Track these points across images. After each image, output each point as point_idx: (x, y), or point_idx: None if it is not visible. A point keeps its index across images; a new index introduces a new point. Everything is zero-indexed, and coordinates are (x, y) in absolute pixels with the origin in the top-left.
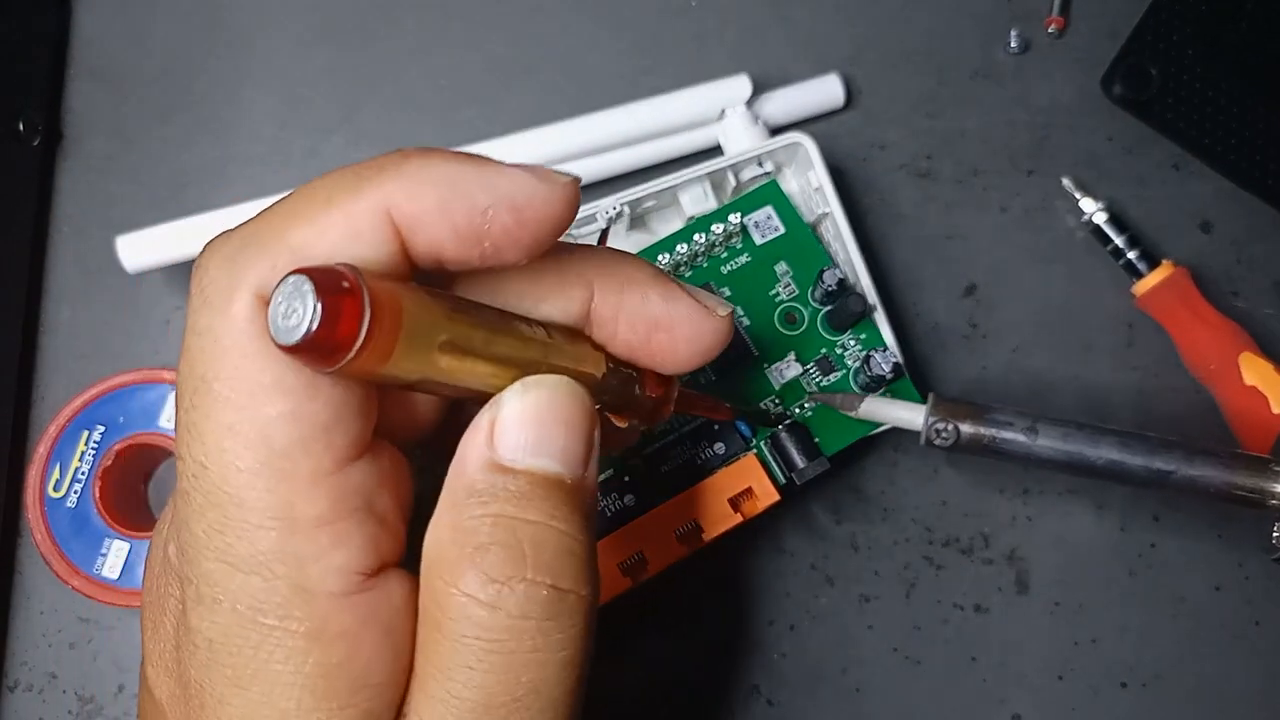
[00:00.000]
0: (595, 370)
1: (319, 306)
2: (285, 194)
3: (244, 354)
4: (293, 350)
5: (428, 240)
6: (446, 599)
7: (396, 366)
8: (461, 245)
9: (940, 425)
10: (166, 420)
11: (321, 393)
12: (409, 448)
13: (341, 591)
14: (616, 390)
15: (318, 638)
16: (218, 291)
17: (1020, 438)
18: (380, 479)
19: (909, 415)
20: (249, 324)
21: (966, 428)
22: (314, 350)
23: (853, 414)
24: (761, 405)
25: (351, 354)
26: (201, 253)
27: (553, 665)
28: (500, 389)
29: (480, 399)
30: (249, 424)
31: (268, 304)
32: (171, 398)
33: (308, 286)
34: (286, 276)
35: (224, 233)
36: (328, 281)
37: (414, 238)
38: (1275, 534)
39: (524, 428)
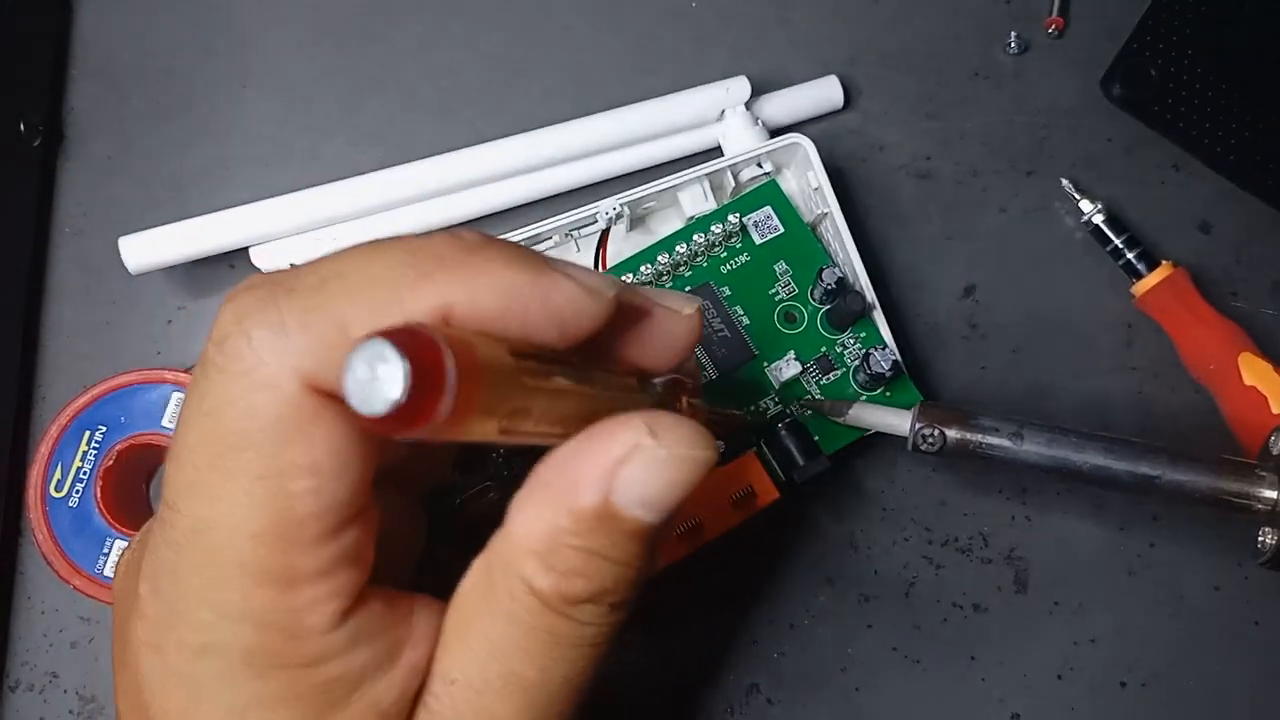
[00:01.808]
0: (642, 405)
1: (407, 370)
2: (336, 252)
3: (287, 435)
4: (378, 421)
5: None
6: (521, 597)
7: (473, 429)
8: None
9: (926, 431)
10: (168, 420)
11: (349, 472)
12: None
13: (331, 629)
14: None
15: (312, 666)
16: (263, 364)
17: (1006, 443)
18: (368, 527)
19: (895, 421)
20: (297, 406)
21: (952, 433)
22: (400, 419)
23: (840, 420)
24: (757, 409)
25: (438, 419)
26: (236, 307)
27: (591, 658)
28: (561, 435)
29: (543, 441)
30: (272, 496)
31: (316, 388)
32: (174, 398)
33: (393, 353)
34: (371, 339)
35: (260, 287)
36: (413, 344)
37: (462, 328)
38: (1260, 539)
39: (651, 484)
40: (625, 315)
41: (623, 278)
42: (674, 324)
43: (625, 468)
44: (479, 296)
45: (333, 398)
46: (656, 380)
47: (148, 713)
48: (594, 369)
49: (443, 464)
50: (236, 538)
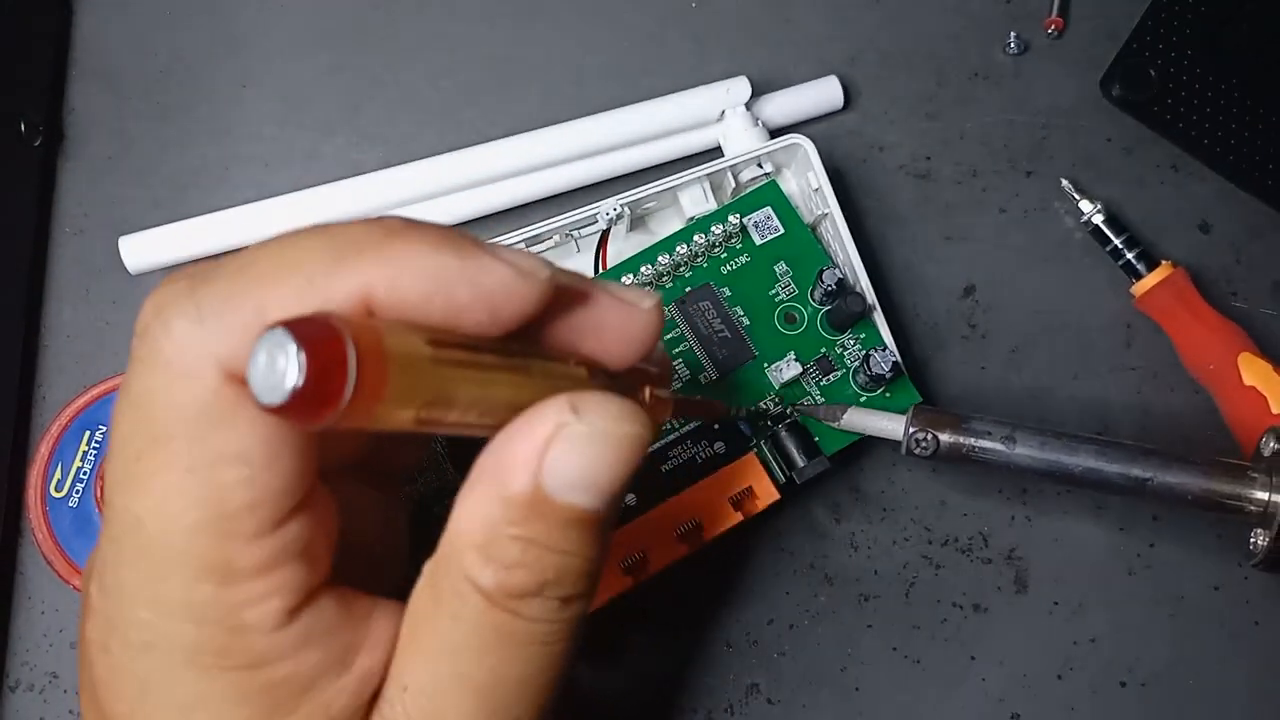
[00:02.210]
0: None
1: (304, 360)
2: (258, 243)
3: (210, 423)
4: (277, 410)
5: (393, 318)
6: (466, 594)
7: (384, 419)
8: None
9: (920, 435)
10: None
11: (280, 461)
12: (332, 473)
13: (276, 627)
14: None
15: (258, 666)
16: (182, 353)
17: (998, 447)
18: (314, 522)
19: (889, 425)
20: (217, 394)
21: (945, 437)
22: (299, 408)
23: (835, 425)
24: (752, 408)
25: (339, 410)
26: (155, 299)
27: (547, 657)
28: (494, 425)
29: (476, 433)
30: (202, 487)
31: (236, 376)
32: None
33: (291, 343)
34: (272, 329)
35: (180, 279)
36: (312, 333)
37: (384, 314)
38: (1252, 540)
39: (577, 465)
40: (569, 302)
41: (623, 278)
42: (630, 317)
43: (551, 449)
44: (400, 281)
45: None
46: (616, 371)
47: (102, 711)
48: (536, 358)
49: (412, 457)
50: (171, 530)
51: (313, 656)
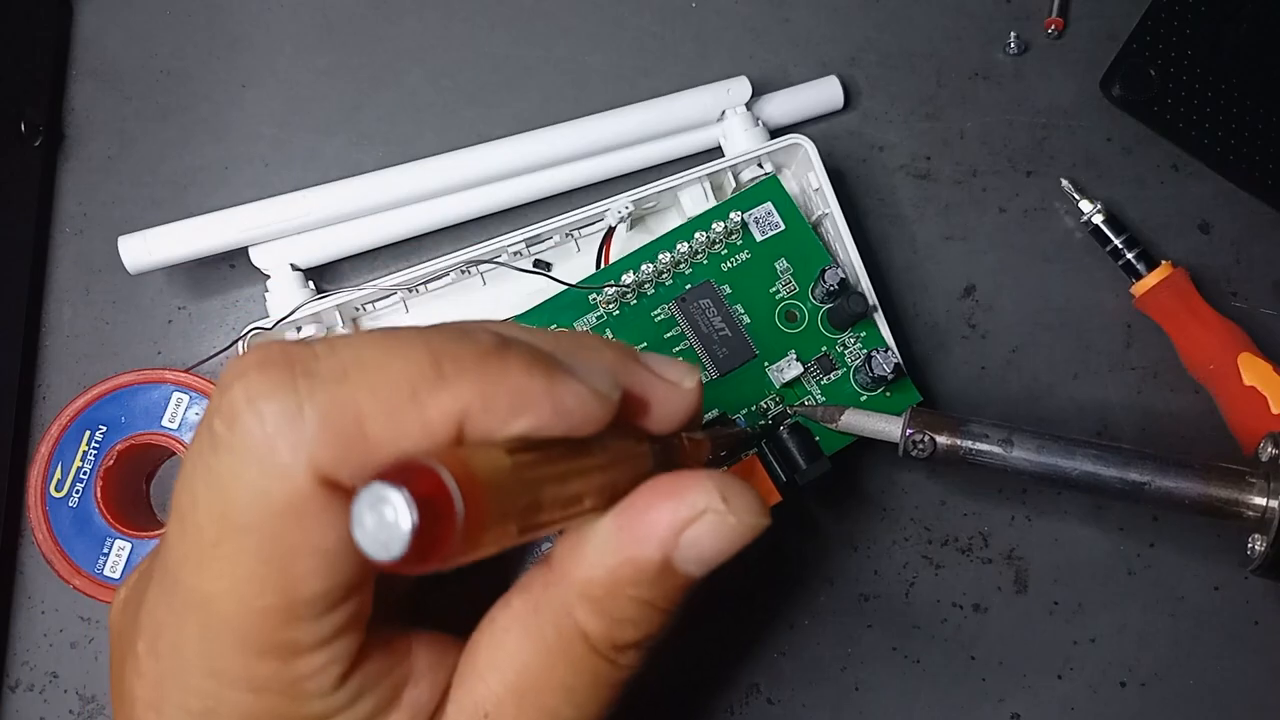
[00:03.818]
0: (649, 462)
1: (414, 512)
2: (353, 338)
3: (295, 521)
4: (394, 565)
5: (481, 436)
6: (572, 640)
7: (487, 544)
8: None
9: (917, 438)
10: (168, 420)
11: (353, 554)
12: None
13: (333, 690)
14: (665, 468)
15: None
16: (275, 451)
17: (996, 449)
18: (367, 590)
19: (887, 427)
20: (308, 498)
21: (943, 440)
22: (412, 559)
23: (833, 427)
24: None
25: (449, 553)
26: (248, 385)
27: (620, 696)
28: (589, 510)
29: (570, 522)
30: (278, 577)
31: (325, 480)
32: (174, 398)
33: (395, 494)
34: (370, 484)
35: (276, 367)
36: (416, 483)
37: (470, 433)
38: (1250, 546)
39: (713, 547)
40: (629, 400)
41: (624, 275)
42: (675, 399)
43: (693, 529)
44: (493, 404)
45: (341, 489)
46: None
47: None
48: (594, 441)
49: None
50: (240, 614)
51: (366, 706)
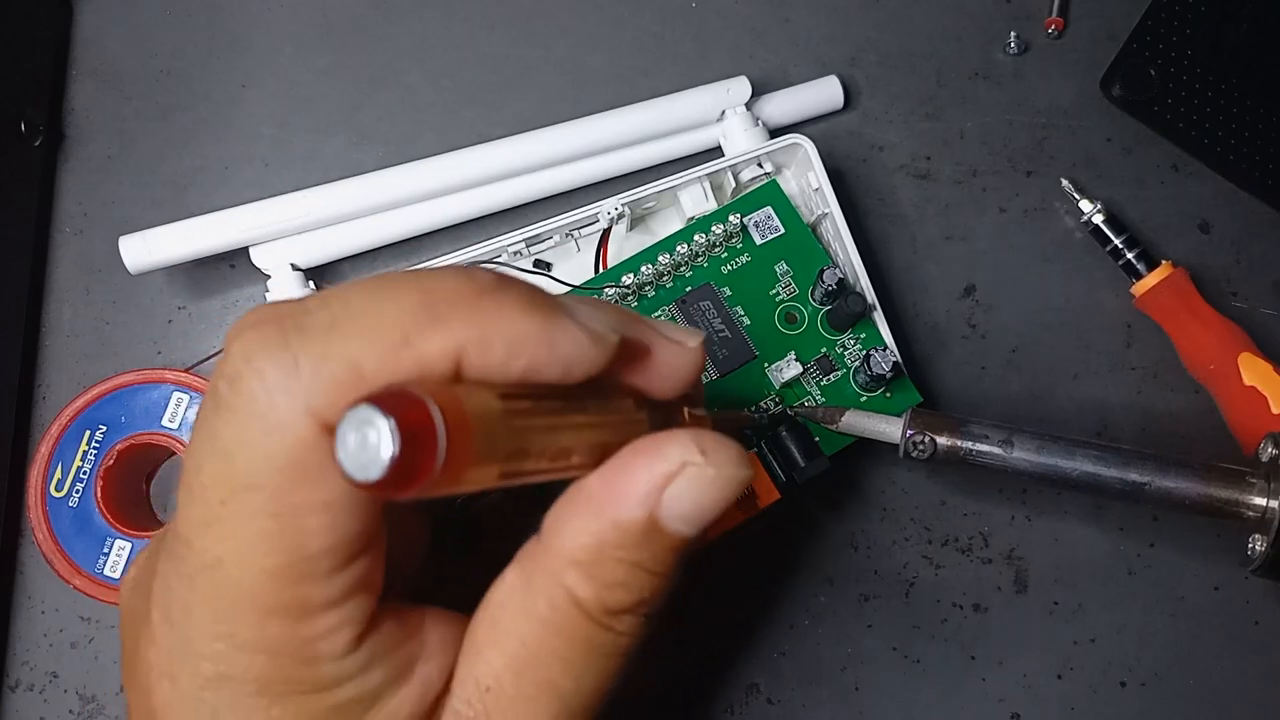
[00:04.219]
0: (645, 430)
1: (397, 438)
2: (345, 287)
3: (300, 474)
4: (369, 486)
5: (477, 375)
6: (564, 608)
7: (470, 481)
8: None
9: (917, 438)
10: (168, 420)
11: (360, 507)
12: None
13: (345, 654)
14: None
15: (328, 689)
16: (275, 405)
17: (996, 450)
18: (377, 551)
19: (887, 428)
20: (309, 447)
21: (943, 440)
22: (391, 484)
23: (833, 427)
24: (773, 409)
25: (430, 481)
26: (245, 344)
27: (621, 666)
28: (578, 467)
29: (556, 476)
30: (286, 533)
31: (328, 428)
32: (174, 398)
33: (381, 420)
34: (358, 406)
35: (269, 324)
36: (402, 411)
37: (468, 373)
38: (1250, 546)
39: (695, 501)
40: (629, 351)
41: (623, 277)
42: (677, 356)
43: (674, 484)
44: (489, 344)
45: None
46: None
47: None
48: (590, 397)
49: None
50: (250, 574)
51: (378, 674)
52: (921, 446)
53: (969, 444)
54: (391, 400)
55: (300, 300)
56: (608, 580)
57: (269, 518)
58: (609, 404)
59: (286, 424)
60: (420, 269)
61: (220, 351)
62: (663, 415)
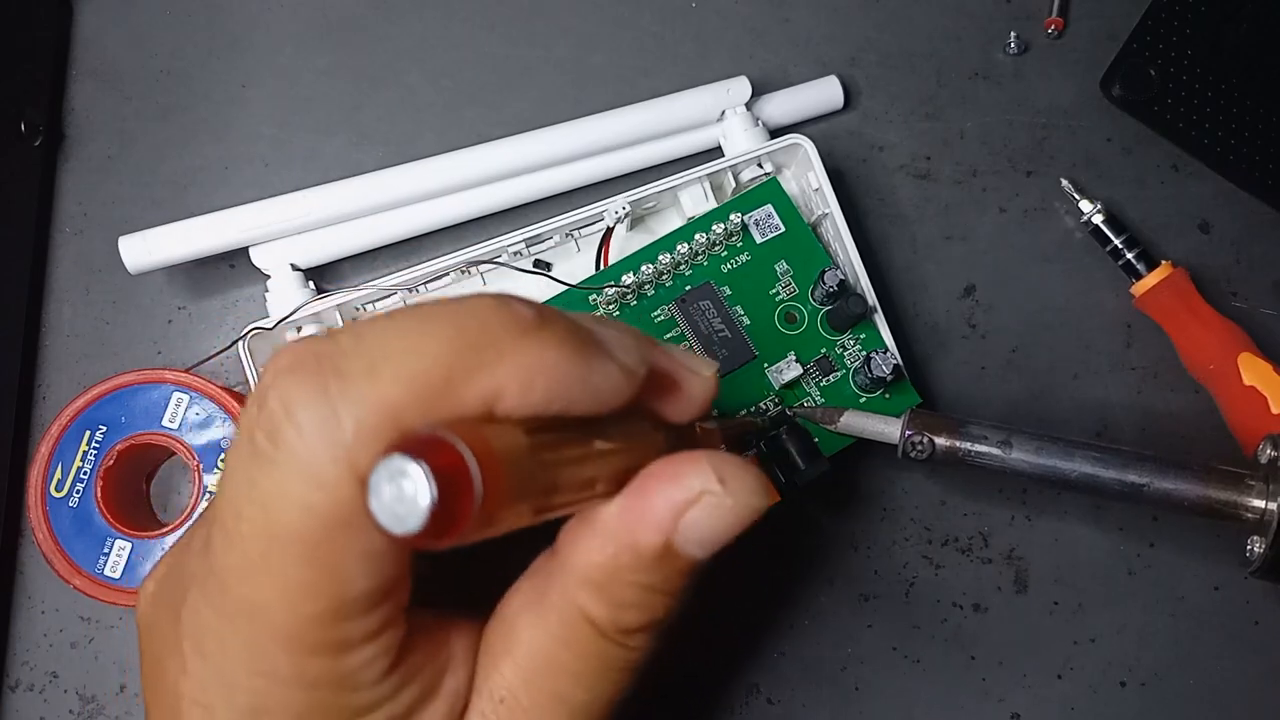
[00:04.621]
0: (662, 449)
1: (433, 490)
2: (381, 324)
3: (341, 526)
4: (409, 539)
5: (508, 414)
6: (578, 625)
7: (503, 523)
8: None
9: (916, 439)
10: (168, 420)
11: (399, 551)
12: None
13: (381, 680)
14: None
15: (363, 714)
16: (317, 459)
17: (995, 451)
18: (408, 580)
19: (885, 429)
20: (352, 500)
21: (941, 441)
22: (428, 535)
23: (831, 428)
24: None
25: (465, 532)
26: (283, 392)
27: (631, 679)
28: (602, 495)
29: (584, 505)
30: (327, 581)
31: (364, 476)
32: (174, 398)
33: (416, 470)
34: (390, 457)
35: (307, 369)
36: (436, 460)
37: (499, 412)
38: (1249, 547)
39: (712, 529)
40: (653, 379)
41: (624, 276)
42: (695, 385)
43: (691, 512)
44: (529, 386)
45: None
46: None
47: None
48: (611, 423)
49: None
50: (291, 620)
51: (410, 694)
52: (920, 447)
53: (967, 444)
54: (424, 448)
55: (335, 338)
56: (621, 601)
57: (310, 568)
58: (628, 427)
59: (327, 478)
60: (456, 299)
61: (222, 351)
62: (676, 431)
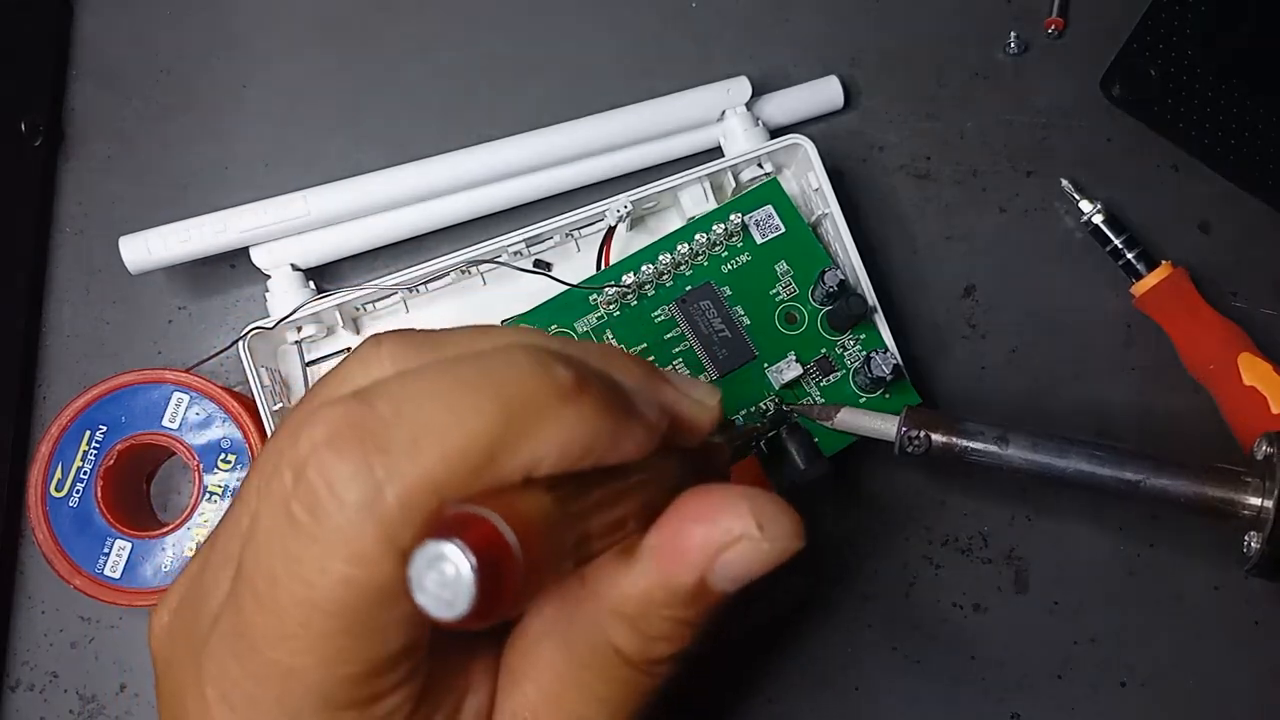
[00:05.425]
0: (676, 474)
1: (476, 573)
2: (420, 384)
3: (380, 599)
4: (453, 623)
5: (540, 477)
6: (606, 654)
7: (543, 587)
8: None
9: (913, 435)
10: (168, 420)
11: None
12: None
13: (407, 718)
14: (691, 476)
15: None
16: (360, 535)
17: (991, 448)
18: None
19: (883, 426)
20: (393, 575)
21: (938, 438)
22: (475, 617)
23: (829, 424)
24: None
25: (511, 606)
26: (325, 466)
27: (652, 701)
28: (631, 533)
29: (614, 544)
30: (363, 647)
31: (403, 550)
32: (174, 397)
33: (458, 554)
34: (428, 544)
35: (348, 440)
36: (475, 540)
37: (532, 476)
38: (1246, 544)
39: (748, 570)
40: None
41: (625, 276)
42: (703, 416)
43: (728, 553)
44: (565, 456)
45: None
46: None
47: None
48: (629, 464)
49: None
50: (326, 682)
51: None
52: (917, 442)
53: (964, 442)
54: (461, 529)
55: (373, 405)
56: (651, 634)
57: (347, 638)
58: (646, 463)
59: (370, 555)
60: (492, 355)
61: (222, 351)
62: (684, 453)
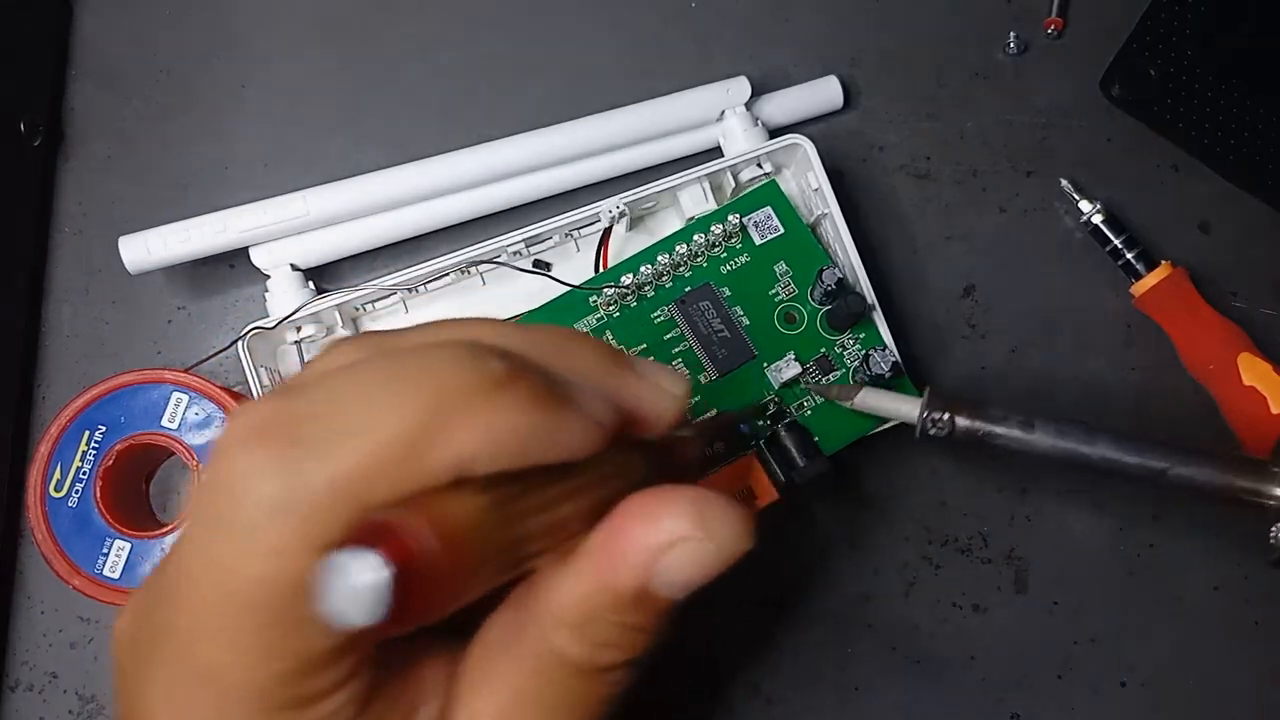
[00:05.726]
0: (640, 471)
1: (389, 581)
2: (340, 379)
3: (303, 594)
4: (367, 630)
5: (470, 474)
6: (554, 663)
7: (468, 595)
8: None
9: (936, 416)
10: (168, 420)
11: None
12: None
13: None
14: (656, 472)
15: None
16: (276, 531)
17: (1015, 432)
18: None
19: (905, 407)
20: (308, 570)
21: (962, 420)
22: (389, 625)
23: (848, 404)
24: (752, 404)
25: (430, 612)
26: (240, 463)
27: (607, 708)
28: (576, 534)
29: (560, 545)
30: (291, 641)
31: (322, 545)
32: (174, 398)
33: (370, 561)
34: (340, 552)
35: (265, 438)
36: (390, 547)
37: (461, 474)
38: (1273, 535)
39: (692, 573)
40: (620, 410)
41: (623, 277)
42: (664, 405)
43: (670, 555)
44: (496, 453)
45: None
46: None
47: None
48: (580, 461)
49: None
50: (254, 679)
51: None
52: (940, 424)
53: (988, 425)
54: (372, 535)
55: (295, 400)
56: (598, 640)
57: (270, 632)
58: (600, 459)
59: (284, 548)
60: (425, 349)
61: (222, 351)
62: (649, 445)
